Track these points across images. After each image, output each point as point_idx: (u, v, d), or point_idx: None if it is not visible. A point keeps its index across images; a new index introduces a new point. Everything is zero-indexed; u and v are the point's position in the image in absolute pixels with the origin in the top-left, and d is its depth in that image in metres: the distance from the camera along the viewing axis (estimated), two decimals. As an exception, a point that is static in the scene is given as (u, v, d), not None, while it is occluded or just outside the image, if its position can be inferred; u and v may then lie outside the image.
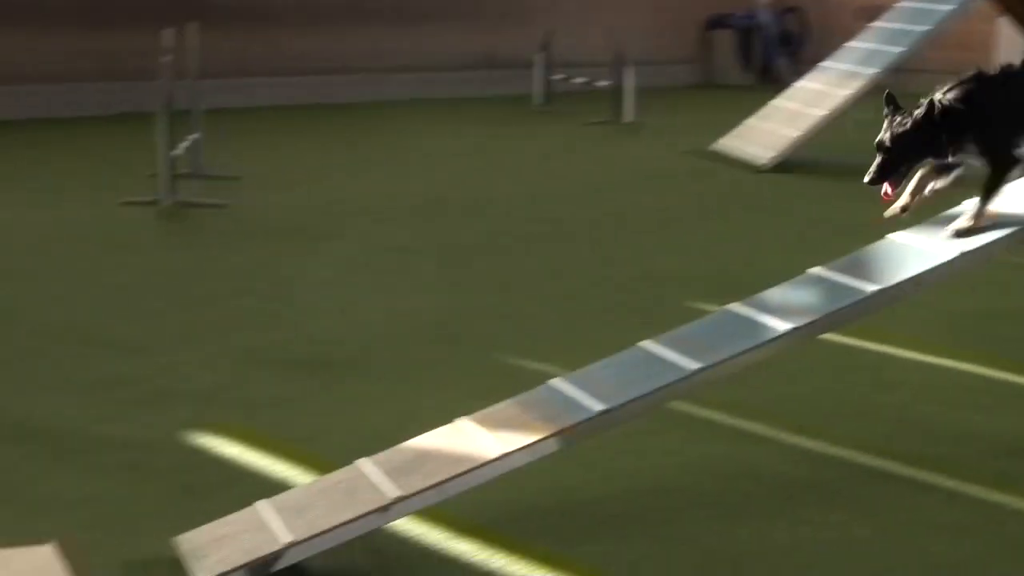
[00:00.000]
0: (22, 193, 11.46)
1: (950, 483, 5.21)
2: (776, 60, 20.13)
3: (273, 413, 5.97)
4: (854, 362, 6.75)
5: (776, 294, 5.08)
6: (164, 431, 5.70)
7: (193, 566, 4.30)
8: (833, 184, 11.75)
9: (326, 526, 4.28)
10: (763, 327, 4.82)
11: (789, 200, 11.39)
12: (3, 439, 5.54)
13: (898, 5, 13.59)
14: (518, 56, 17.67)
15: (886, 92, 5.02)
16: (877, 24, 13.70)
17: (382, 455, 4.65)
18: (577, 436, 4.57)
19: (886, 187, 4.91)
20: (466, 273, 8.72)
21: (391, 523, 4.48)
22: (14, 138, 14.39)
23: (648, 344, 4.82)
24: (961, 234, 4.96)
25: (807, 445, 5.62)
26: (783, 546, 4.66)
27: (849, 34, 14.15)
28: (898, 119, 4.89)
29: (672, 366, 4.69)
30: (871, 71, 12.76)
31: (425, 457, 4.53)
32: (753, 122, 13.47)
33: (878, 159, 4.88)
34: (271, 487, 4.96)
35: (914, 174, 5.03)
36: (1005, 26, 14.12)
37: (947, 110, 4.85)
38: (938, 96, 4.91)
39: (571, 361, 5.58)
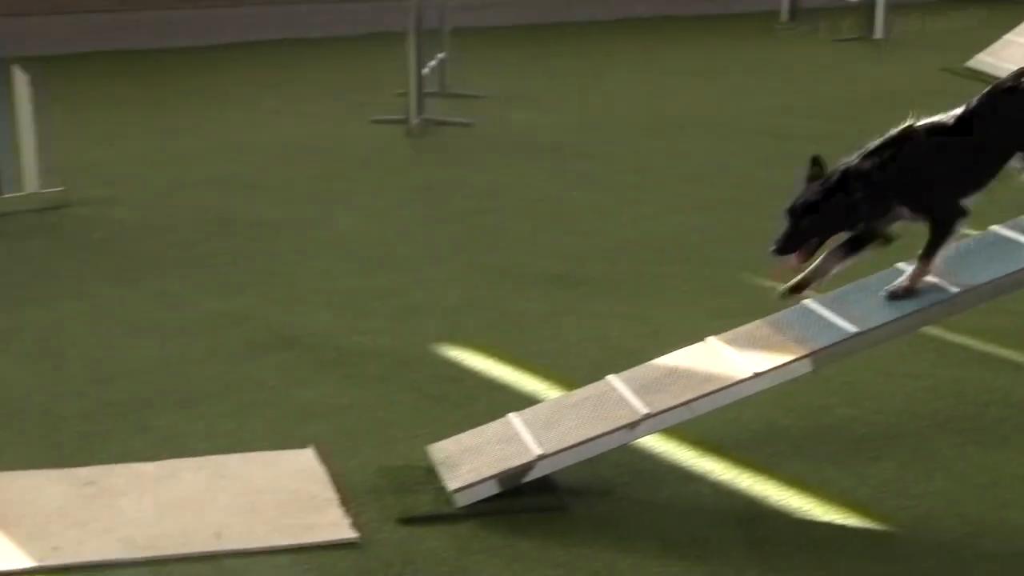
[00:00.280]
0: (276, 112, 11.83)
1: None
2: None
3: (521, 328, 6.06)
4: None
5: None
6: (416, 344, 5.85)
7: (445, 474, 4.42)
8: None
9: (575, 440, 4.35)
10: (1025, 250, 4.65)
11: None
12: (267, 348, 5.77)
13: None
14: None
15: (812, 156, 4.52)
16: None
17: (630, 372, 4.68)
18: (830, 358, 4.50)
19: (792, 258, 4.45)
20: (711, 192, 8.66)
21: (638, 440, 4.53)
22: (268, 57, 14.85)
23: (903, 266, 4.71)
24: (896, 296, 4.55)
25: (1067, 374, 5.45)
26: (1040, 475, 4.54)
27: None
28: (815, 185, 4.43)
29: (930, 289, 4.57)
30: None
31: (674, 375, 4.54)
32: (1011, 37, 12.92)
33: (786, 226, 4.41)
34: (520, 400, 5.06)
35: (824, 248, 4.54)
36: None
37: (865, 178, 4.38)
38: (854, 164, 4.44)
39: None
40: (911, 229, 4.52)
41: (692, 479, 4.55)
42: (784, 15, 16.84)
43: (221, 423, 4.97)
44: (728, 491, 4.47)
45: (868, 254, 4.58)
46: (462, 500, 4.28)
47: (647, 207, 8.29)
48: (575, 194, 8.67)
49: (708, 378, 4.50)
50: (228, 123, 11.25)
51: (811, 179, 4.47)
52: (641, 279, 6.81)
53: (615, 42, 15.88)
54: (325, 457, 4.69)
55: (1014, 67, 4.70)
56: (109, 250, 7.35)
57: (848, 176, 4.39)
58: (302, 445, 4.79)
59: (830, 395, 5.18)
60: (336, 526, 4.20)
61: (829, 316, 4.58)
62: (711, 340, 4.73)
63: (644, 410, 4.38)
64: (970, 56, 13.09)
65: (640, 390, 4.51)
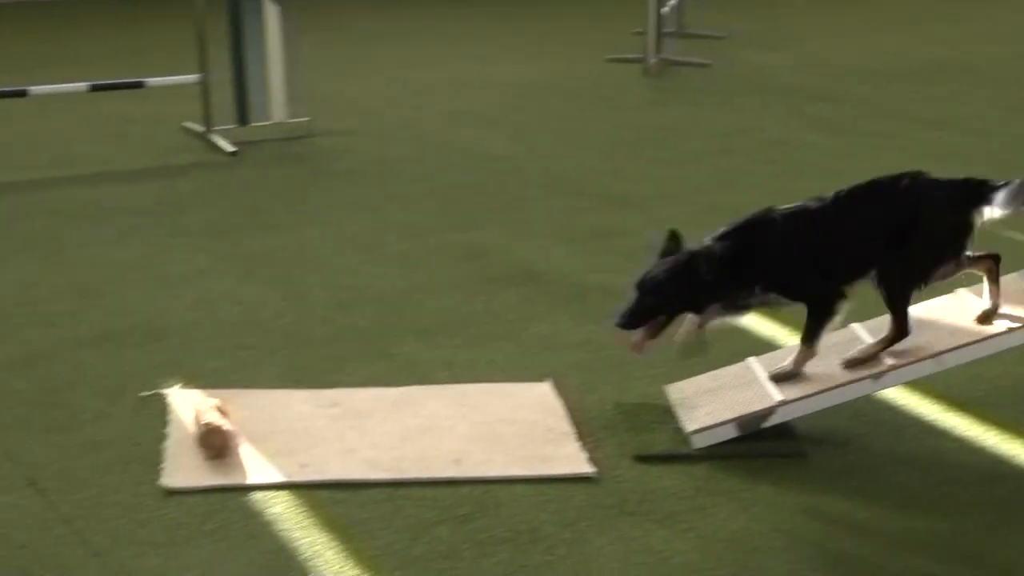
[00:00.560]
0: (514, 48, 11.89)
1: None
2: None
3: (759, 273, 5.98)
4: None
5: None
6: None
7: (682, 415, 4.41)
8: None
9: (817, 388, 4.29)
10: None
11: None
12: (506, 281, 5.83)
13: None
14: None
15: (670, 230, 4.35)
16: None
17: (874, 321, 4.57)
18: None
19: (635, 333, 4.30)
20: (958, 141, 8.38)
21: (881, 391, 4.44)
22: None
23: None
24: (779, 379, 4.36)
25: None
26: None
27: None
28: (666, 261, 4.27)
29: None
30: None
31: (922, 326, 4.41)
32: None
33: (632, 300, 4.28)
34: (757, 345, 5.00)
35: (674, 327, 4.37)
36: None
37: (718, 261, 4.19)
38: (705, 245, 4.25)
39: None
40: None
41: (935, 434, 4.44)
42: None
43: (460, 353, 5.05)
44: (972, 448, 4.34)
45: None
46: (699, 442, 4.27)
47: (889, 154, 8.06)
48: (815, 138, 8.49)
49: (957, 331, 4.38)
50: (467, 58, 11.36)
51: (664, 253, 4.31)
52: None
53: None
54: (562, 391, 4.73)
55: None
56: (352, 180, 7.52)
57: (696, 257, 4.20)
58: (539, 378, 4.83)
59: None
60: (573, 460, 4.23)
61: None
62: (961, 292, 4.60)
63: (890, 360, 4.29)
64: None
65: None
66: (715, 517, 3.91)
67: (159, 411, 4.50)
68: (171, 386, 4.67)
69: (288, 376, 4.81)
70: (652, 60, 10.70)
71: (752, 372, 4.50)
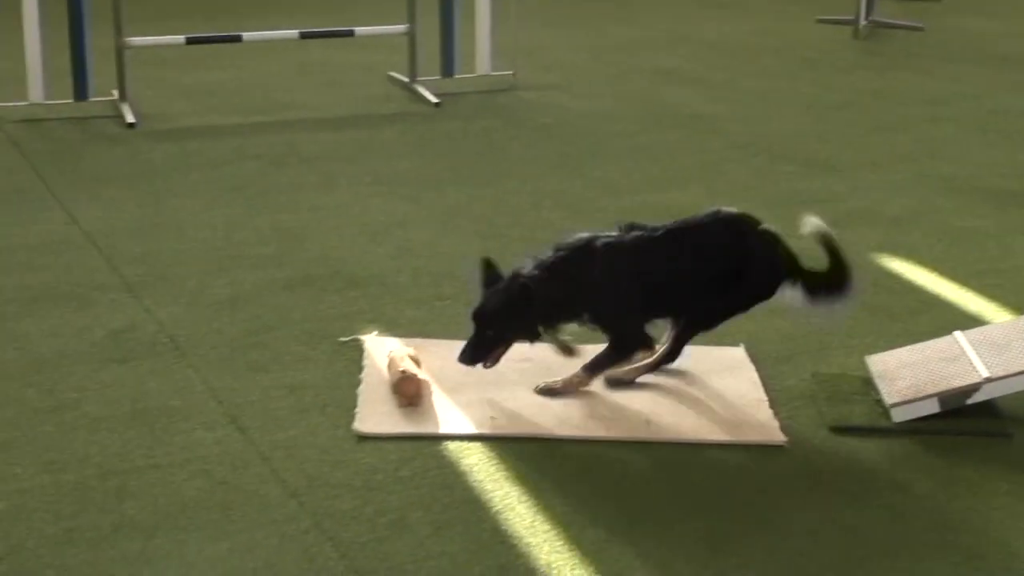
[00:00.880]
0: (720, 6, 11.72)
1: None
2: None
3: (968, 245, 5.81)
4: None
5: None
6: (855, 252, 5.64)
7: (882, 387, 4.31)
8: None
9: (1026, 367, 4.15)
10: None
11: None
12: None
13: None
14: None
15: (483, 259, 4.24)
16: None
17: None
18: None
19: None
20: None
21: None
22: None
23: None
24: (544, 393, 4.29)
25: None
26: None
27: None
28: (498, 292, 4.18)
29: None
30: None
31: None
32: None
33: (472, 334, 4.20)
34: (963, 319, 4.87)
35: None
36: None
37: (542, 289, 4.10)
38: (528, 272, 4.15)
39: None
40: None
41: None
42: None
43: (656, 313, 5.01)
44: None
45: None
46: (899, 415, 4.16)
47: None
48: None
49: None
50: (671, 15, 11.24)
51: (486, 284, 4.20)
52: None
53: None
54: (757, 357, 4.66)
55: None
56: (553, 135, 7.52)
57: (524, 286, 4.11)
58: (734, 343, 4.77)
59: None
60: (765, 427, 4.18)
61: None
62: None
63: (1105, 342, 4.12)
64: None
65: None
66: (912, 494, 3.81)
67: (357, 357, 4.58)
68: (369, 333, 4.75)
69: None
70: (863, 22, 10.44)
71: (958, 346, 4.37)
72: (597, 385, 4.39)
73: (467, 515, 3.64)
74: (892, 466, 3.95)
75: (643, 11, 11.42)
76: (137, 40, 7.93)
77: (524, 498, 3.74)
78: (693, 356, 4.63)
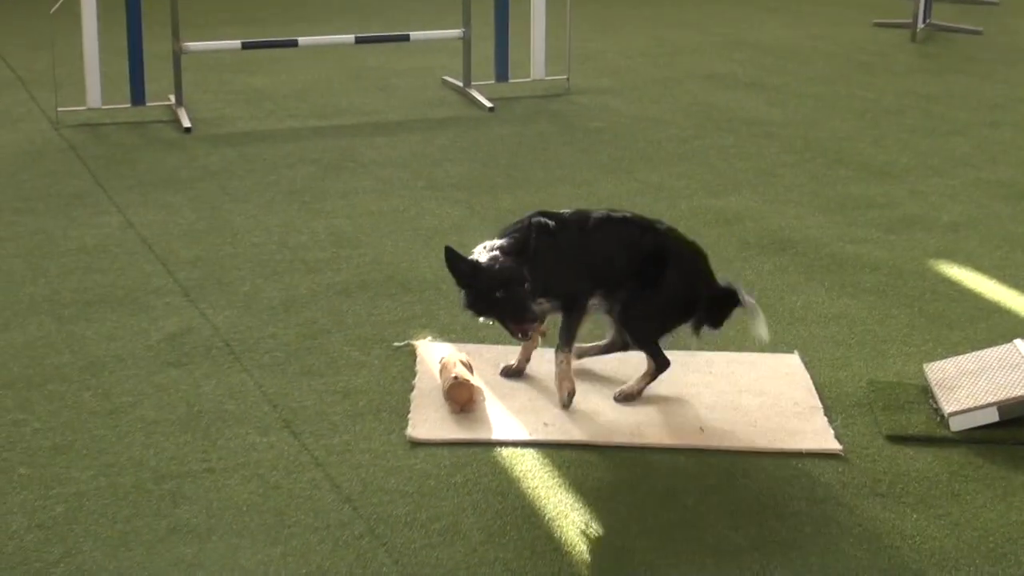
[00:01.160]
0: (773, 10, 11.66)
1: None
2: None
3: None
4: None
5: None
6: (913, 258, 5.66)
7: (940, 395, 4.26)
8: None
9: (1087, 375, 4.09)
10: None
11: None
12: (760, 249, 5.73)
13: None
14: None
15: (446, 247, 4.14)
16: None
17: None
18: None
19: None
20: None
21: None
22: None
23: None
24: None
25: None
26: None
27: None
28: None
29: None
30: None
31: None
32: None
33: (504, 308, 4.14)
34: (1022, 327, 4.80)
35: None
36: None
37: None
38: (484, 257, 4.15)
39: None
40: None
41: None
42: None
43: (710, 320, 4.98)
44: None
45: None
46: (958, 424, 4.12)
47: None
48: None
49: None
50: (726, 19, 11.19)
51: (459, 272, 4.13)
52: None
53: None
54: (812, 364, 4.63)
55: None
56: (607, 139, 7.49)
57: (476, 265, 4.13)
58: (789, 350, 4.74)
59: None
60: (820, 435, 4.14)
61: None
62: None
63: None
64: None
65: None
66: (971, 504, 3.77)
67: (410, 362, 4.58)
68: (422, 338, 4.75)
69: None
70: (920, 25, 10.35)
71: (1019, 354, 4.32)
72: (651, 392, 4.37)
73: (520, 522, 3.64)
74: (950, 476, 3.91)
75: (698, 16, 11.38)
76: (194, 45, 7.98)
77: (577, 505, 3.73)
78: (747, 363, 4.61)
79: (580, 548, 3.53)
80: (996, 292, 5.28)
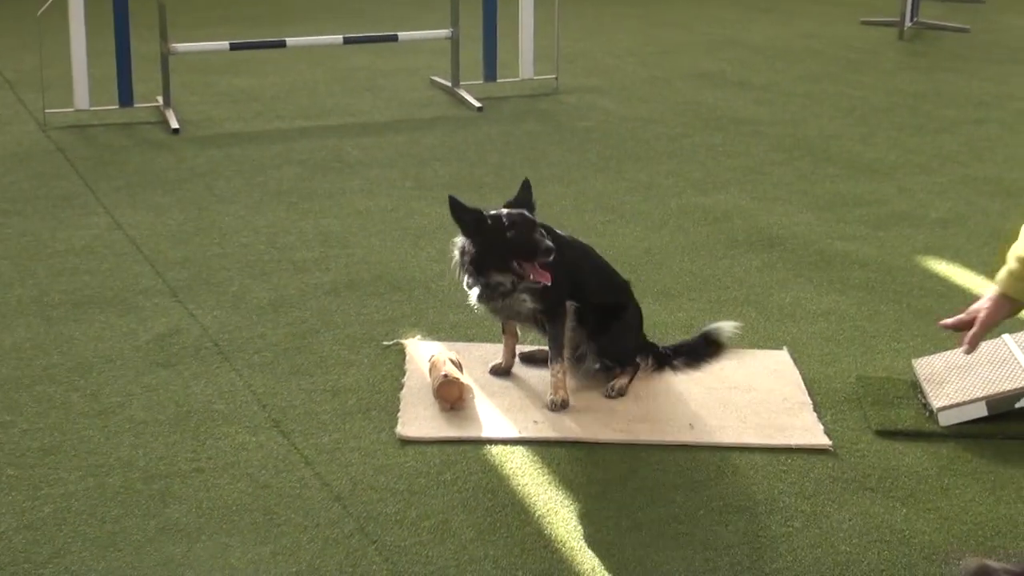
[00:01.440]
0: (764, 10, 11.67)
1: None
2: None
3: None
4: None
5: None
6: (901, 255, 5.67)
7: (929, 391, 4.27)
8: None
9: (1075, 369, 4.10)
10: None
11: None
12: (748, 246, 5.74)
13: None
14: None
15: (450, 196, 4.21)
16: None
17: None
18: None
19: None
20: None
21: None
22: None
23: None
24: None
25: None
26: None
27: None
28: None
29: None
30: None
31: None
32: None
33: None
34: (1011, 322, 4.73)
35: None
36: None
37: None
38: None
39: None
40: None
41: None
42: None
43: (699, 316, 4.98)
44: None
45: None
46: (946, 419, 4.13)
47: None
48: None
49: None
50: (714, 18, 11.20)
51: (465, 226, 4.22)
52: None
53: None
54: (801, 360, 4.63)
55: None
56: (595, 138, 7.50)
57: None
58: (778, 346, 4.75)
59: None
60: (810, 431, 4.15)
61: None
62: None
63: None
64: None
65: None
66: (960, 498, 3.78)
67: (400, 361, 4.58)
68: (411, 337, 4.75)
69: (526, 332, 4.82)
70: (908, 24, 10.37)
71: (1007, 349, 4.33)
72: (639, 389, 4.38)
73: (510, 519, 3.64)
74: (939, 470, 3.92)
75: (686, 15, 11.39)
76: (182, 46, 7.97)
77: (567, 502, 3.73)
78: (736, 359, 4.61)
79: (570, 545, 3.53)
80: (984, 288, 5.27)
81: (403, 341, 4.72)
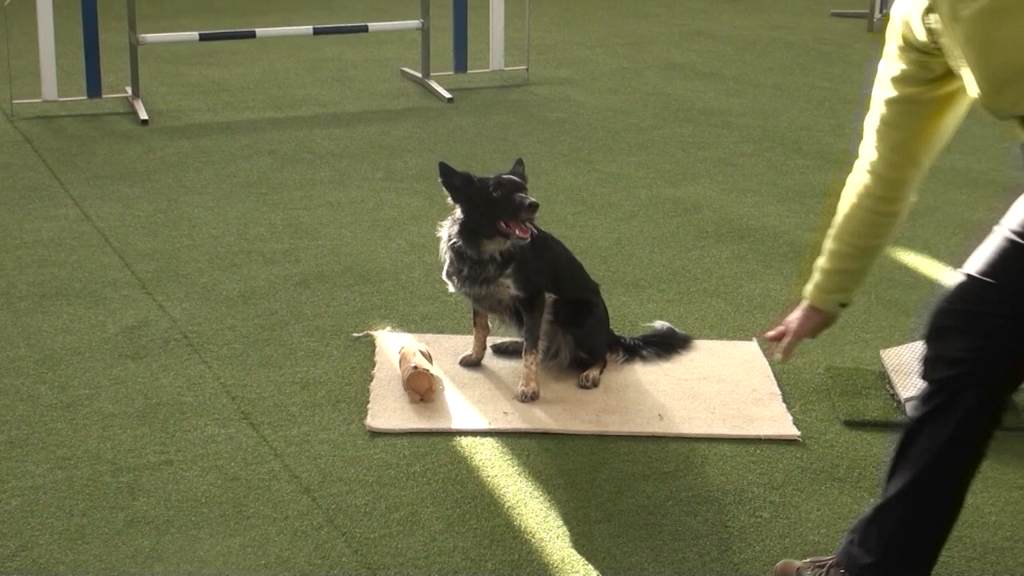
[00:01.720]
0: (735, 2, 11.69)
1: None
2: None
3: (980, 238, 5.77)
4: None
5: None
6: (870, 245, 5.68)
7: (897, 381, 4.29)
8: None
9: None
10: None
11: None
12: (718, 237, 5.76)
13: None
14: None
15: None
16: None
17: None
18: None
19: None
20: None
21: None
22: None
23: None
24: (526, 399, 4.28)
25: None
26: None
27: None
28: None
29: None
30: None
31: None
32: None
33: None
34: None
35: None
36: None
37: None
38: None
39: None
40: None
41: None
42: None
43: (669, 308, 5.00)
44: None
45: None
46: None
47: None
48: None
49: None
50: (684, 9, 11.22)
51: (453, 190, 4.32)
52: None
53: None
54: (770, 351, 4.64)
55: None
56: (566, 130, 7.50)
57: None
58: (747, 337, 4.76)
59: None
60: (778, 421, 4.16)
61: None
62: None
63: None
64: None
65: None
66: (927, 488, 3.79)
67: (369, 353, 4.57)
68: (381, 328, 4.75)
69: (496, 324, 4.82)
70: (877, 15, 10.40)
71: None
72: (609, 380, 4.39)
73: (479, 510, 3.64)
74: (906, 460, 3.93)
75: (656, 6, 11.40)
76: (151, 37, 7.94)
77: (536, 493, 3.73)
78: (706, 350, 4.62)
79: (539, 536, 3.53)
80: (948, 277, 5.30)
81: (373, 333, 4.71)
